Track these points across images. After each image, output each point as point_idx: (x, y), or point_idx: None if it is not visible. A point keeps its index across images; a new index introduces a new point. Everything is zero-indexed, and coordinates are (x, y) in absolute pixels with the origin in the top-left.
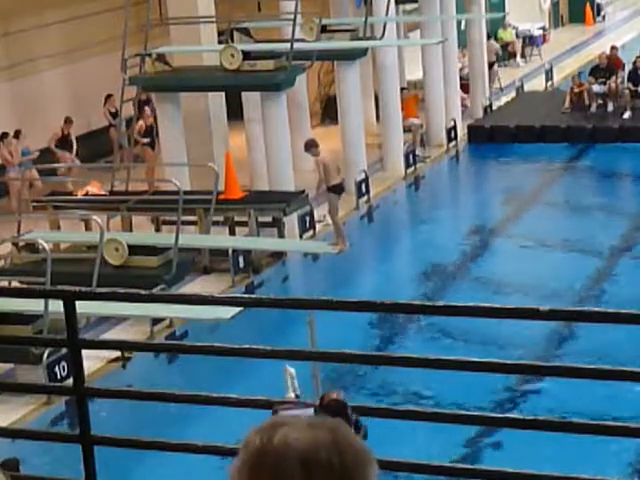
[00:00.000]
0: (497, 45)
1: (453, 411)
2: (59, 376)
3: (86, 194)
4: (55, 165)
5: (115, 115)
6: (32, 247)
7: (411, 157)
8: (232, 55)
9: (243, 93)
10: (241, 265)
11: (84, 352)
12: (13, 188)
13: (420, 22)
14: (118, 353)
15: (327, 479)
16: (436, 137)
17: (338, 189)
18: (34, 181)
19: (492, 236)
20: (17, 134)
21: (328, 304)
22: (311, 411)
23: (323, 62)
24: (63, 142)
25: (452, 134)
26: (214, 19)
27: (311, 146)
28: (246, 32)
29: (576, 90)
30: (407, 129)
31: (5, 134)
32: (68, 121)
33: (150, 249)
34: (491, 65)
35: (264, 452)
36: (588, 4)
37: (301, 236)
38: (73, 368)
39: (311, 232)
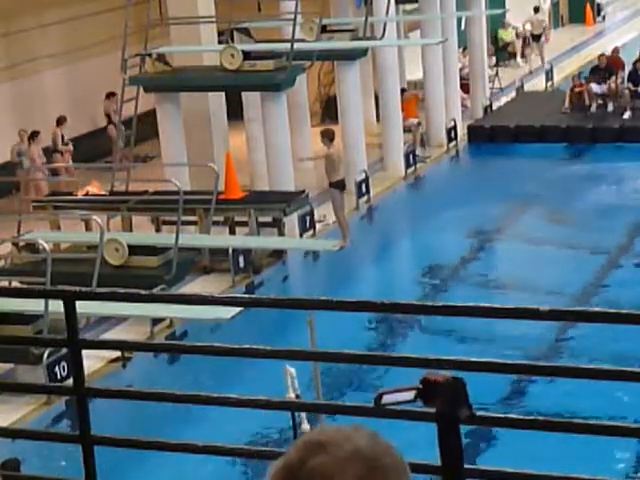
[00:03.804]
0: (544, 17)
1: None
2: (59, 376)
3: (86, 194)
4: (55, 165)
5: (112, 115)
6: (32, 247)
7: (411, 157)
8: (232, 55)
9: (243, 93)
10: (241, 265)
11: (84, 352)
12: (29, 188)
13: (420, 22)
14: (118, 353)
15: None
16: (436, 137)
17: (340, 185)
18: (40, 181)
19: (492, 236)
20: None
21: (328, 304)
22: (412, 394)
23: (323, 62)
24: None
25: (452, 134)
26: (214, 19)
27: (327, 136)
28: (246, 32)
29: (576, 90)
30: (407, 129)
31: (36, 132)
32: (63, 121)
33: (150, 249)
34: (538, 37)
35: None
36: (588, 4)
37: (301, 236)
38: (73, 368)
39: (311, 232)
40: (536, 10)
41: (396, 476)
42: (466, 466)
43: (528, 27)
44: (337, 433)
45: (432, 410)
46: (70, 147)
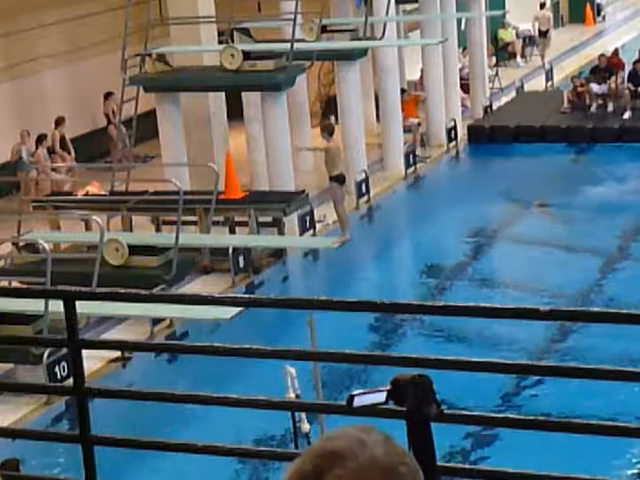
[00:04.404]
0: (549, 13)
1: (452, 411)
2: (59, 376)
3: (86, 194)
4: (55, 165)
5: (112, 116)
6: (32, 247)
7: (411, 157)
8: (232, 55)
9: (243, 93)
10: (241, 265)
11: (84, 352)
12: (29, 188)
13: (420, 22)
14: (118, 353)
15: None
16: (436, 137)
17: (340, 179)
18: (43, 183)
19: (492, 236)
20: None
21: (328, 304)
22: (383, 395)
23: (323, 62)
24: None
25: (452, 134)
26: (214, 19)
27: (326, 130)
28: (246, 32)
29: (580, 90)
30: (407, 129)
31: (43, 135)
32: (61, 122)
33: (150, 249)
34: (546, 32)
35: None
36: (588, 4)
37: (301, 236)
38: (73, 368)
39: (311, 232)
40: (542, 6)
41: None
42: (467, 466)
43: (535, 24)
44: (351, 440)
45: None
46: (71, 156)
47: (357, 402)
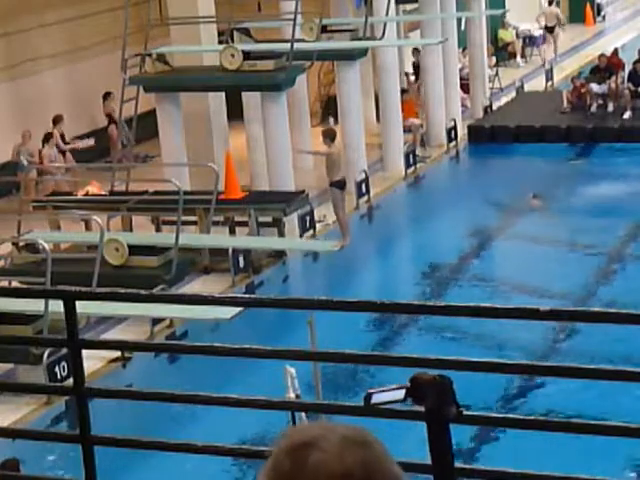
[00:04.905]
0: (557, 10)
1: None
2: (59, 376)
3: (86, 194)
4: (56, 165)
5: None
6: (32, 247)
7: (411, 157)
8: (232, 55)
9: (243, 93)
10: (241, 265)
11: (84, 352)
12: (30, 188)
13: (420, 22)
14: (118, 353)
15: None
16: (436, 137)
17: (340, 184)
18: (47, 182)
19: (492, 236)
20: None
21: (328, 304)
22: (402, 393)
23: (323, 62)
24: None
25: (452, 134)
26: (214, 19)
27: (328, 136)
28: (246, 32)
29: (582, 90)
30: (407, 129)
31: (49, 134)
32: (59, 120)
33: (150, 249)
34: (552, 29)
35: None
36: (588, 4)
37: (301, 236)
38: (73, 368)
39: (311, 232)
40: (550, 3)
41: (387, 454)
42: (466, 466)
43: (542, 19)
44: (317, 429)
45: (422, 409)
46: (79, 144)
47: (375, 399)
